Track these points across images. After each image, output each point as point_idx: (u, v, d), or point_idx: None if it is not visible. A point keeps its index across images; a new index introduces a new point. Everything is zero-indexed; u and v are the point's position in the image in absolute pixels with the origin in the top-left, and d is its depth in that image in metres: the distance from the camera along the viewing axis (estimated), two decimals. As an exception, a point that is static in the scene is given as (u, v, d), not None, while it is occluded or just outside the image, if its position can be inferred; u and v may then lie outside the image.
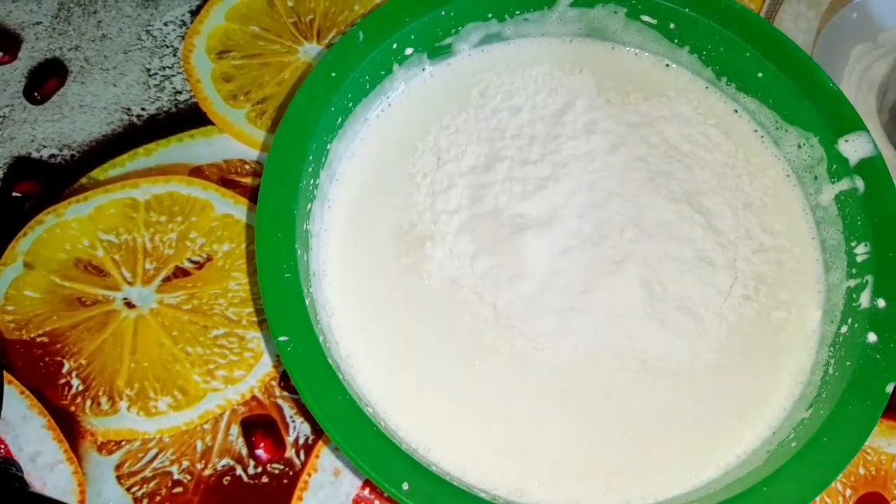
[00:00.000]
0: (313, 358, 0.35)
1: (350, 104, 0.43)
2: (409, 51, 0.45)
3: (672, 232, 0.42)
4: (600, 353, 0.40)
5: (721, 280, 0.41)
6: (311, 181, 0.41)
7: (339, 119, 0.43)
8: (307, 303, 0.36)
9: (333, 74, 0.41)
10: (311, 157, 0.40)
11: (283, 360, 0.34)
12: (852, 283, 0.40)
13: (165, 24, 0.54)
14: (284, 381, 0.44)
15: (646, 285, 0.40)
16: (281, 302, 0.36)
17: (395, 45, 0.44)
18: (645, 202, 0.43)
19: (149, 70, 0.52)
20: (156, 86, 0.51)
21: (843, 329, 0.39)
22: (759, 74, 0.44)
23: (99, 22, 0.54)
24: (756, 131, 0.46)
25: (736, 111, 0.46)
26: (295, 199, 0.38)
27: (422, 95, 0.46)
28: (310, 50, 0.53)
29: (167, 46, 0.53)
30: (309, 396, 0.34)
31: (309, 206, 0.41)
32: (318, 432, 0.43)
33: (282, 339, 0.35)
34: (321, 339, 0.36)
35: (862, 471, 0.43)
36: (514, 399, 0.39)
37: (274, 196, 0.38)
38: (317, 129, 0.40)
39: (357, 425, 0.34)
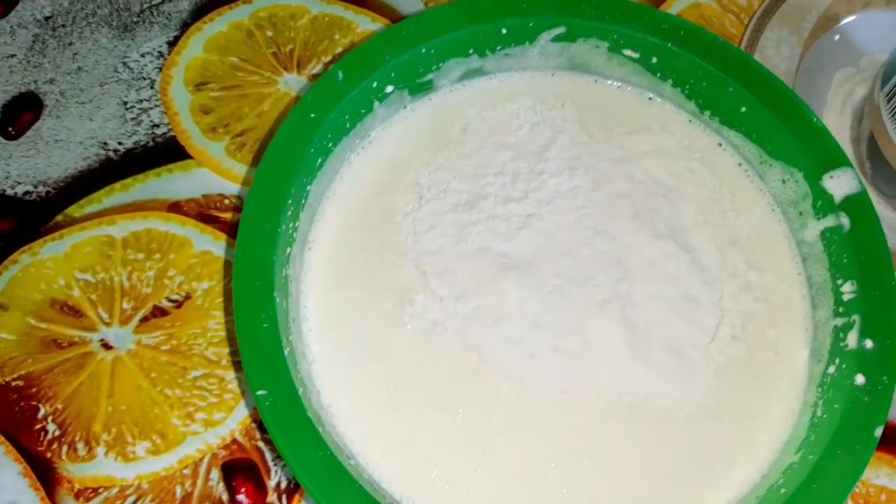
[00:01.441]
0: (293, 412, 0.34)
1: (330, 144, 0.42)
2: (389, 88, 0.44)
3: (657, 270, 0.41)
4: (587, 397, 0.39)
5: (707, 319, 0.41)
6: (291, 224, 0.40)
7: (319, 160, 0.41)
8: (286, 353, 0.35)
9: (312, 115, 0.40)
10: (289, 201, 0.39)
11: (262, 415, 0.33)
12: (839, 321, 0.40)
13: (142, 56, 0.53)
14: (266, 423, 0.43)
15: (631, 325, 0.40)
16: (259, 354, 0.35)
17: (375, 84, 0.43)
18: (630, 240, 0.42)
19: (126, 103, 0.51)
20: (133, 119, 0.50)
21: (831, 369, 0.39)
22: (743, 109, 0.44)
23: (74, 54, 0.53)
24: (740, 165, 0.45)
25: (720, 145, 0.46)
26: (273, 245, 0.37)
27: (403, 133, 0.45)
28: (290, 80, 0.52)
29: (144, 78, 0.52)
30: (289, 453, 0.33)
31: (288, 250, 0.39)
32: (300, 476, 0.42)
33: (260, 393, 0.34)
34: (301, 390, 0.35)
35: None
36: (500, 447, 0.38)
37: (251, 244, 0.37)
38: (296, 173, 0.39)
39: (339, 483, 0.33)
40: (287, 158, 0.39)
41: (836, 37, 0.55)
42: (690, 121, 0.46)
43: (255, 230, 0.37)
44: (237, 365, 0.43)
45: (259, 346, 0.35)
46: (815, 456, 0.36)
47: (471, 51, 0.45)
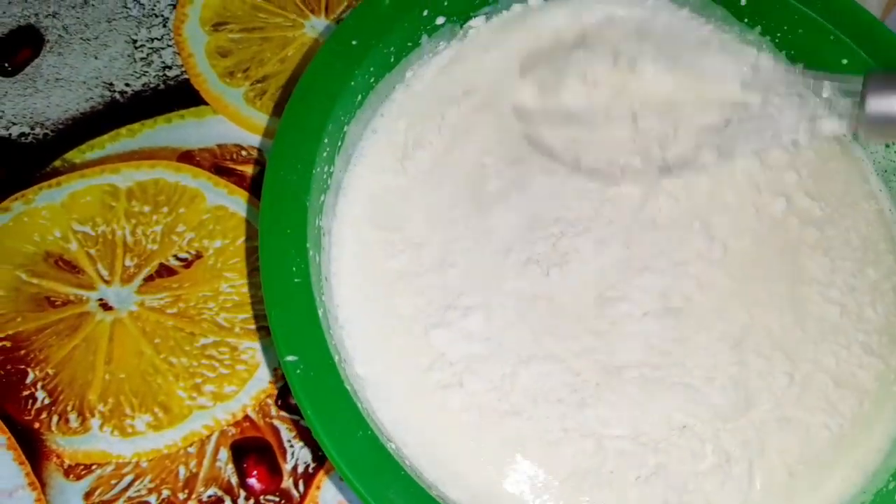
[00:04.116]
0: (328, 382, 0.30)
1: (372, 80, 0.38)
2: (440, 20, 0.39)
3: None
4: None
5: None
6: (326, 168, 0.36)
7: (359, 97, 0.37)
8: (320, 314, 0.31)
9: (354, 42, 0.36)
10: (326, 140, 0.35)
11: (292, 385, 0.29)
12: None
13: (155, -9, 0.50)
14: (282, 398, 0.40)
15: None
16: (289, 313, 0.30)
17: (425, 13, 0.38)
18: None
19: (135, 41, 0.48)
20: (142, 59, 0.48)
21: None
22: (844, 61, 0.39)
23: (80, -14, 0.50)
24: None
25: None
26: (307, 188, 0.33)
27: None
28: (317, 25, 0.49)
29: (156, 16, 0.49)
30: (324, 432, 0.29)
31: (322, 197, 0.35)
32: (319, 459, 0.39)
33: (290, 358, 0.30)
34: (336, 358, 0.31)
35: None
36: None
37: (282, 185, 0.33)
38: (335, 106, 0.35)
39: (383, 469, 0.29)
40: (325, 89, 0.35)
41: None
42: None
43: (287, 170, 0.33)
44: (251, 333, 0.41)
45: (290, 303, 0.31)
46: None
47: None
